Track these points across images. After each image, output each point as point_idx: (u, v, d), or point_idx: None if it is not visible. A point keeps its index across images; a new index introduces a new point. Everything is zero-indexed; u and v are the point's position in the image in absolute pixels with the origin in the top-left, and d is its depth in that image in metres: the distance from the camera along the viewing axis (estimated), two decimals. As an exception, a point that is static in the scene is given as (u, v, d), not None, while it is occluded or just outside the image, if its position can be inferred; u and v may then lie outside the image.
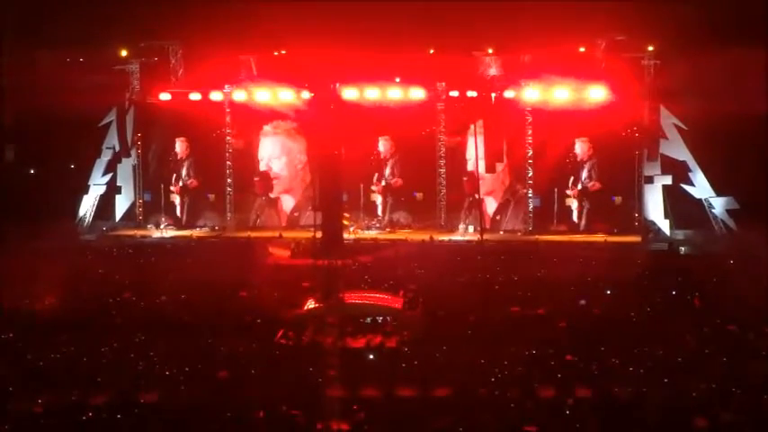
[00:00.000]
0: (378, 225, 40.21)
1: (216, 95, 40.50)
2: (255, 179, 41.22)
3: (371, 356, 24.00)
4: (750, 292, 27.71)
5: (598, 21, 37.06)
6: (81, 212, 40.94)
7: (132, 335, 25.21)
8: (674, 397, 20.61)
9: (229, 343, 24.47)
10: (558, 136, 39.04)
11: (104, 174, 41.26)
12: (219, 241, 39.51)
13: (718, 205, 37.97)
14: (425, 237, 38.80)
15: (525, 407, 20.32)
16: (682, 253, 36.62)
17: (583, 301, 28.49)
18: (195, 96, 40.47)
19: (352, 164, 37.23)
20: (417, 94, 39.51)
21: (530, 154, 39.48)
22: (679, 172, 38.34)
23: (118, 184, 41.37)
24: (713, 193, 38.04)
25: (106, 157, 41.27)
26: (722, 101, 35.40)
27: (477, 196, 38.65)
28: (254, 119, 40.85)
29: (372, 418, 19.58)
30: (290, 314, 27.07)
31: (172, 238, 40.07)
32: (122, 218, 41.63)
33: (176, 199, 41.45)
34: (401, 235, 39.54)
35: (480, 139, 38.76)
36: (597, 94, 38.17)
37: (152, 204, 41.57)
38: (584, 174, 39.32)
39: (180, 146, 41.39)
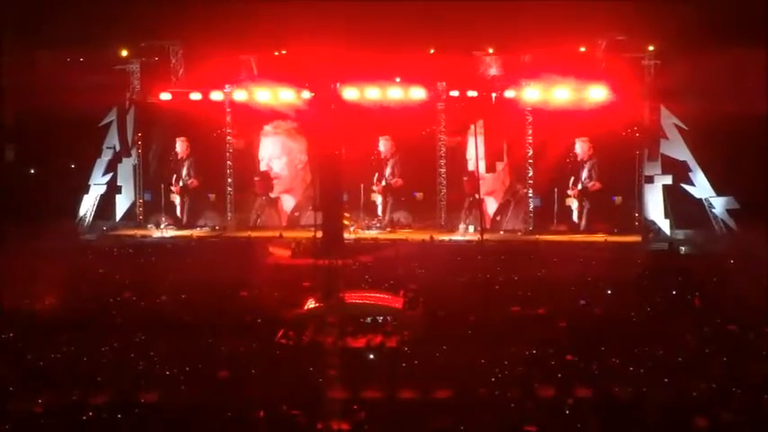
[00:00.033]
0: (378, 225, 40.21)
1: (216, 95, 40.51)
2: (256, 179, 41.21)
3: (372, 356, 24.00)
4: (750, 291, 27.71)
5: (598, 21, 37.07)
6: (81, 212, 40.94)
7: (132, 335, 25.20)
8: (675, 397, 20.62)
9: (230, 343, 24.47)
10: (558, 136, 39.04)
11: (105, 173, 41.26)
12: (220, 241, 39.50)
13: (719, 205, 37.98)
14: (426, 237, 38.80)
15: (526, 407, 20.32)
16: (682, 253, 36.61)
17: (583, 301, 28.49)
18: (196, 96, 40.48)
19: (353, 164, 37.17)
20: (418, 93, 39.51)
21: (530, 154, 39.49)
22: (679, 172, 38.34)
23: (118, 184, 41.38)
24: (713, 193, 38.05)
25: (107, 156, 41.27)
26: (722, 101, 35.41)
27: (477, 196, 38.64)
28: (255, 119, 40.85)
29: (373, 418, 19.58)
30: (291, 314, 27.07)
31: (172, 237, 40.07)
32: (123, 218, 41.64)
33: (176, 199, 41.45)
34: (401, 235, 39.53)
35: (480, 139, 38.76)
36: (597, 93, 38.17)
37: (152, 204, 41.57)
38: (585, 174, 39.32)
39: (180, 146, 41.39)
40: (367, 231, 39.68)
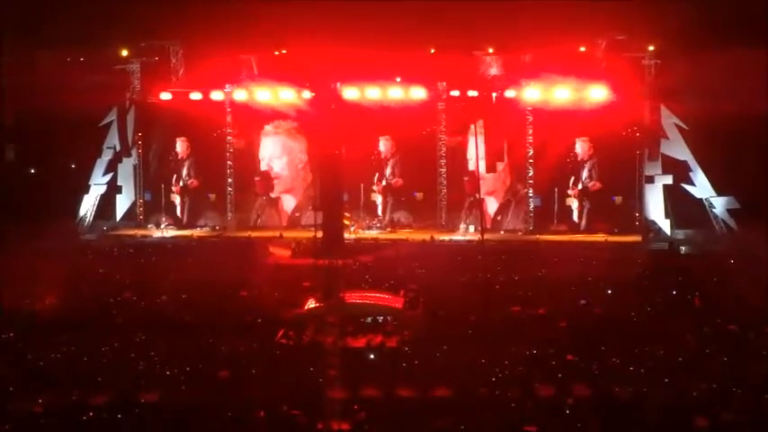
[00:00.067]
0: (378, 225, 40.20)
1: (217, 95, 40.50)
2: (256, 179, 41.20)
3: (372, 356, 24.01)
4: (750, 291, 27.72)
5: (599, 20, 37.05)
6: (81, 212, 40.94)
7: (133, 335, 25.21)
8: (675, 397, 20.62)
9: (230, 343, 24.48)
10: (558, 136, 39.03)
11: (105, 173, 41.26)
12: (220, 241, 39.50)
13: (719, 205, 37.97)
14: (426, 236, 38.79)
15: (526, 407, 20.32)
16: (682, 253, 36.60)
17: (583, 301, 28.49)
18: (196, 96, 40.47)
19: (353, 164, 37.13)
20: (418, 93, 39.50)
21: (530, 154, 39.49)
22: (680, 172, 38.33)
23: (118, 184, 41.37)
24: (714, 193, 38.04)
25: (107, 156, 41.27)
26: (723, 100, 35.44)
27: (477, 196, 38.64)
28: (255, 118, 40.83)
29: (373, 418, 19.59)
30: (291, 314, 27.09)
31: (172, 237, 40.06)
32: (123, 217, 41.63)
33: (177, 199, 41.43)
34: (402, 235, 39.52)
35: (481, 139, 38.73)
36: (598, 93, 38.17)
37: (153, 204, 41.55)
38: (585, 173, 39.32)
39: (180, 145, 41.38)
40: (367, 231, 39.67)
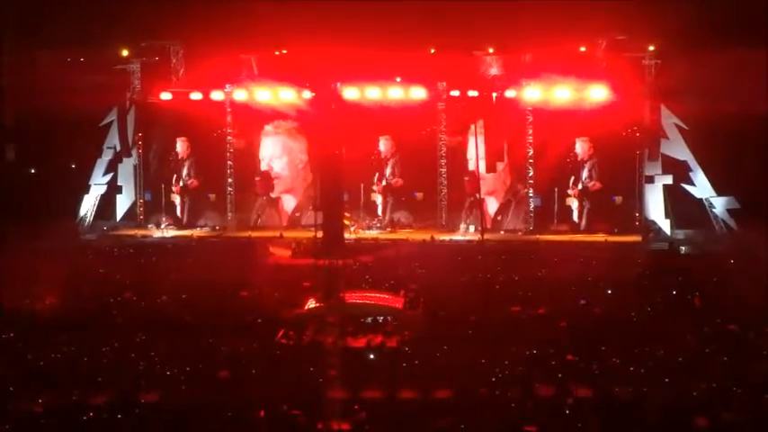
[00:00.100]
0: (379, 225, 40.20)
1: (217, 95, 40.51)
2: (257, 179, 41.21)
3: (372, 356, 24.01)
4: (750, 291, 27.72)
5: (599, 20, 37.04)
6: (82, 212, 40.95)
7: (133, 335, 25.21)
8: (675, 396, 20.62)
9: (230, 343, 24.48)
10: (558, 135, 39.03)
11: (105, 173, 41.27)
12: (220, 241, 39.50)
13: (719, 205, 37.98)
14: (426, 236, 38.79)
15: (526, 407, 20.32)
16: (682, 253, 36.62)
17: (583, 301, 28.49)
18: (196, 96, 40.48)
19: (353, 164, 37.15)
20: (418, 93, 39.51)
21: (530, 153, 39.49)
22: (680, 172, 38.34)
23: (119, 184, 41.39)
24: (714, 193, 38.05)
25: (107, 156, 41.29)
26: (723, 101, 35.45)
27: (477, 196, 38.64)
28: (255, 118, 40.83)
29: (373, 418, 19.59)
30: (291, 314, 27.09)
31: (172, 237, 40.07)
32: (123, 217, 41.65)
33: (177, 199, 41.44)
34: (402, 235, 39.53)
35: (481, 139, 38.73)
36: (598, 93, 38.18)
37: (153, 204, 41.56)
38: (585, 173, 39.32)
39: (181, 145, 41.39)
40: (367, 231, 39.67)
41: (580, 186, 39.31)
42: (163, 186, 41.34)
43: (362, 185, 40.17)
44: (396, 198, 40.68)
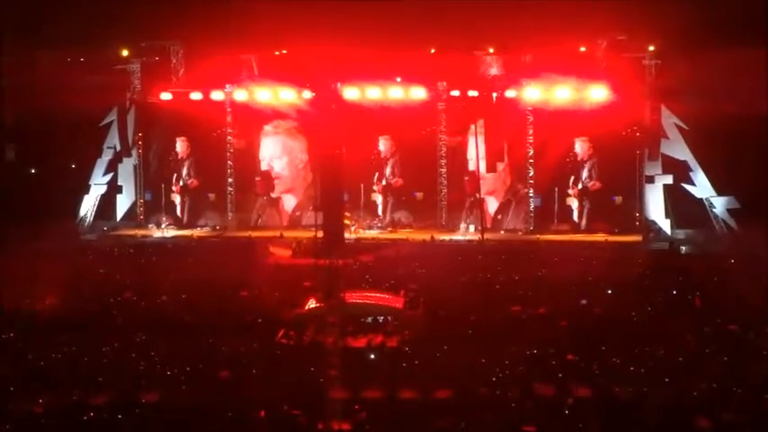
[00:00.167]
0: (379, 225, 40.20)
1: (217, 95, 40.52)
2: (257, 179, 41.20)
3: (372, 356, 23.98)
4: (751, 291, 27.69)
5: (599, 20, 37.04)
6: (82, 212, 40.97)
7: (133, 335, 25.19)
8: (675, 397, 20.60)
9: (230, 343, 24.45)
10: (558, 135, 39.03)
11: (105, 173, 41.29)
12: (220, 241, 39.50)
13: (719, 205, 37.98)
14: (426, 236, 38.79)
15: (526, 407, 20.30)
16: (682, 252, 36.61)
17: (584, 301, 28.47)
18: (196, 96, 40.49)
19: (354, 164, 37.16)
20: (418, 93, 39.51)
21: (531, 153, 39.49)
22: (680, 171, 38.34)
23: (119, 184, 41.40)
24: (714, 193, 38.05)
25: (107, 156, 41.30)
26: (723, 100, 35.45)
27: (478, 196, 38.65)
28: (256, 118, 40.84)
29: (374, 418, 19.58)
30: (291, 314, 27.07)
31: (173, 237, 40.07)
32: (123, 217, 41.66)
33: (177, 198, 41.45)
34: (402, 235, 39.53)
35: (481, 139, 38.73)
36: (598, 93, 38.18)
37: (153, 204, 41.57)
38: (585, 173, 39.32)
39: (181, 145, 41.39)
40: (368, 231, 39.68)
41: (580, 186, 39.31)
42: (163, 186, 41.35)
43: (363, 185, 40.16)
44: (396, 198, 40.68)
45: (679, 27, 36.00)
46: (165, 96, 40.80)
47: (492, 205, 40.33)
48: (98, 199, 41.25)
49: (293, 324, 26.11)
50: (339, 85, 39.30)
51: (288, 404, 20.02)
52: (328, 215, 26.22)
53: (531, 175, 39.60)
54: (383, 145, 40.52)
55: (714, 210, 37.95)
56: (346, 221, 36.88)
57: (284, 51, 40.46)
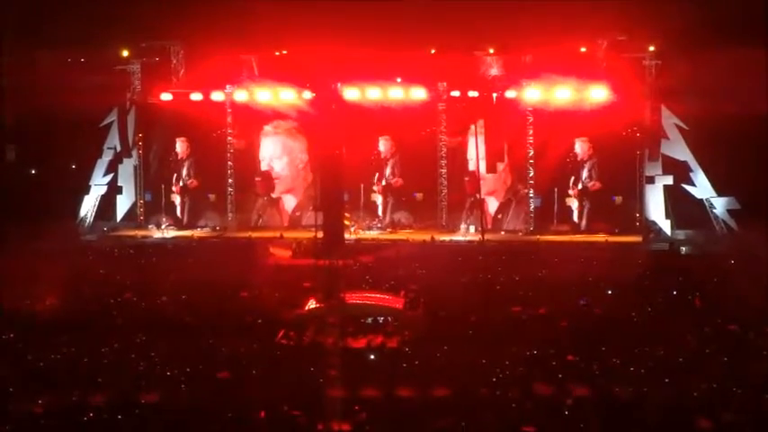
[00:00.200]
0: (379, 225, 40.20)
1: (217, 95, 40.52)
2: (257, 179, 41.21)
3: (373, 357, 23.97)
4: (751, 291, 27.69)
5: (599, 21, 37.05)
6: (82, 213, 40.97)
7: (133, 335, 25.17)
8: (676, 397, 20.59)
9: (230, 343, 24.44)
10: (559, 136, 39.02)
11: (105, 174, 41.29)
12: (220, 241, 39.49)
13: (720, 205, 37.98)
14: (426, 237, 38.79)
15: (526, 407, 20.29)
16: (683, 253, 36.61)
17: (584, 301, 28.47)
18: (196, 96, 40.49)
19: (354, 164, 37.18)
20: (418, 93, 39.51)
21: (531, 154, 39.49)
22: (680, 172, 38.34)
23: (119, 185, 41.40)
24: (714, 194, 38.04)
25: (107, 157, 41.31)
26: (723, 101, 35.46)
27: (478, 196, 38.65)
28: (256, 119, 40.84)
29: (374, 419, 19.56)
30: (291, 314, 27.06)
31: (173, 238, 40.07)
32: (123, 218, 41.65)
33: (177, 199, 41.44)
34: (402, 235, 39.52)
35: (481, 139, 38.75)
36: (598, 94, 38.18)
37: (153, 204, 41.56)
38: (585, 174, 39.31)
39: (181, 146, 41.39)
40: (368, 232, 39.68)
41: (580, 186, 39.31)
42: (163, 187, 41.35)
43: (363, 186, 40.17)
44: (396, 198, 40.68)
45: (679, 27, 36.01)
46: (166, 97, 40.80)
47: (492, 205, 40.33)
48: (98, 199, 41.25)
49: (293, 324, 26.10)
50: (339, 85, 39.31)
51: (288, 405, 20.01)
52: (328, 216, 26.26)
53: (531, 175, 39.58)
54: (383, 145, 40.52)
55: (714, 210, 37.95)
56: (346, 222, 36.91)
57: (284, 52, 40.47)
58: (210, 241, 39.61)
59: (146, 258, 35.75)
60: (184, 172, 41.44)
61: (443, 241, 38.60)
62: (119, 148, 41.11)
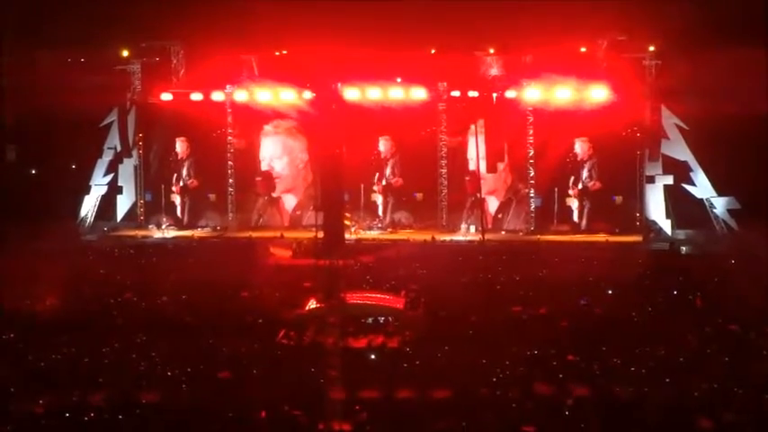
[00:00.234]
0: (379, 225, 40.20)
1: (217, 95, 40.52)
2: (258, 179, 41.20)
3: (373, 357, 23.96)
4: (751, 291, 27.69)
5: (599, 21, 37.06)
6: (82, 213, 40.97)
7: (134, 335, 25.17)
8: (676, 397, 20.59)
9: (231, 343, 24.43)
10: (559, 136, 39.02)
11: (106, 174, 41.28)
12: (221, 241, 39.49)
13: (720, 205, 37.98)
14: (427, 237, 38.80)
15: (527, 407, 20.29)
16: (683, 253, 36.61)
17: (584, 301, 28.47)
18: (197, 96, 40.48)
19: (354, 164, 37.19)
20: (419, 93, 39.51)
21: (531, 154, 39.48)
22: (680, 172, 38.35)
23: (119, 185, 41.39)
24: (714, 193, 38.04)
25: (107, 157, 41.30)
26: (724, 101, 35.47)
27: (478, 196, 38.65)
28: (256, 119, 40.83)
29: (374, 419, 19.57)
30: (292, 314, 27.07)
31: (173, 238, 40.07)
32: (124, 218, 41.65)
33: (177, 199, 41.43)
34: (403, 235, 39.52)
35: (481, 139, 38.77)
36: (598, 93, 38.19)
37: (153, 204, 41.55)
38: (585, 173, 39.31)
39: (181, 146, 41.38)
40: (368, 232, 39.67)
41: (580, 186, 39.31)
42: (163, 187, 41.34)
43: (363, 186, 40.15)
44: (396, 198, 40.67)
45: (679, 27, 36.02)
46: (166, 97, 40.80)
47: (492, 205, 40.32)
48: (98, 199, 41.24)
49: (294, 324, 26.11)
50: (339, 85, 39.31)
51: (288, 405, 20.01)
52: (329, 216, 26.30)
53: (531, 175, 39.58)
54: (383, 145, 40.51)
55: (714, 210, 37.95)
56: (346, 222, 36.92)
57: (284, 52, 40.47)
58: (211, 241, 39.61)
59: (146, 258, 35.75)
60: (185, 172, 41.44)
61: (444, 241, 38.60)
62: (119, 148, 41.11)
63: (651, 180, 38.60)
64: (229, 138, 40.87)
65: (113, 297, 29.47)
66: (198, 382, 21.89)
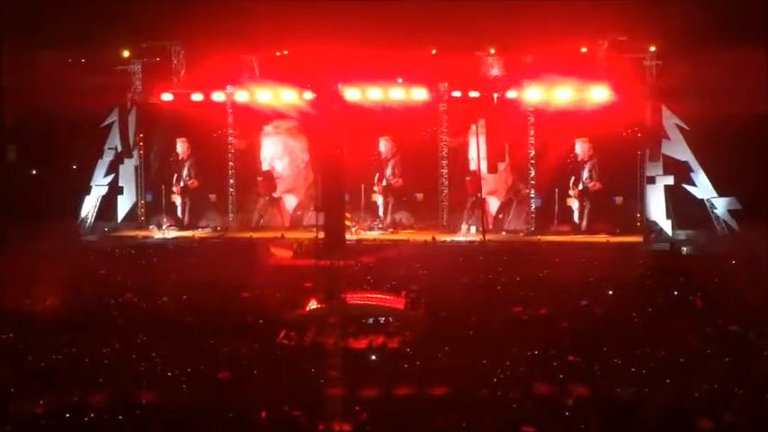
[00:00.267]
0: (380, 226, 40.19)
1: (218, 96, 40.51)
2: (259, 179, 41.19)
3: (374, 357, 23.96)
4: (752, 292, 27.69)
5: (600, 21, 37.06)
6: (83, 213, 40.96)
7: (134, 336, 25.17)
8: (677, 397, 20.58)
9: (231, 344, 24.43)
10: (559, 136, 39.01)
11: (106, 174, 41.28)
12: (221, 242, 39.49)
13: (721, 205, 37.96)
14: (427, 237, 38.79)
15: (527, 407, 20.28)
16: (684, 253, 36.58)
17: (585, 302, 28.46)
18: (197, 97, 40.48)
19: (354, 164, 37.21)
20: (419, 94, 39.51)
21: (532, 154, 39.47)
22: (681, 172, 38.34)
23: (120, 185, 41.38)
24: (715, 194, 38.02)
25: (108, 157, 41.29)
26: (724, 101, 35.45)
27: (479, 196, 38.65)
28: (257, 119, 40.83)
29: (374, 419, 19.56)
30: (292, 315, 27.06)
31: (174, 238, 40.07)
32: (124, 218, 41.64)
33: (178, 199, 41.42)
34: (403, 235, 39.51)
35: (482, 139, 38.78)
36: (599, 94, 38.18)
37: (154, 205, 41.54)
38: (586, 174, 39.30)
39: (181, 146, 41.37)
40: (368, 232, 39.66)
41: (581, 187, 39.29)
42: (164, 187, 41.33)
43: (363, 186, 40.14)
44: (397, 199, 40.66)
45: (680, 27, 36.02)
46: (166, 97, 40.80)
47: (493, 206, 40.31)
48: (99, 200, 41.23)
49: (294, 325, 26.10)
50: (340, 85, 39.32)
51: (289, 405, 20.00)
52: (329, 216, 26.34)
53: (532, 175, 39.57)
54: (384, 146, 40.49)
55: (715, 210, 37.94)
56: (347, 222, 36.92)
57: (285, 52, 40.47)
58: (211, 241, 39.61)
59: (147, 259, 35.75)
60: (185, 172, 41.43)
61: (444, 241, 38.60)
62: (120, 149, 41.11)
63: (652, 180, 38.59)
64: (230, 138, 40.87)
65: (114, 297, 29.47)
66: (198, 382, 21.89)
